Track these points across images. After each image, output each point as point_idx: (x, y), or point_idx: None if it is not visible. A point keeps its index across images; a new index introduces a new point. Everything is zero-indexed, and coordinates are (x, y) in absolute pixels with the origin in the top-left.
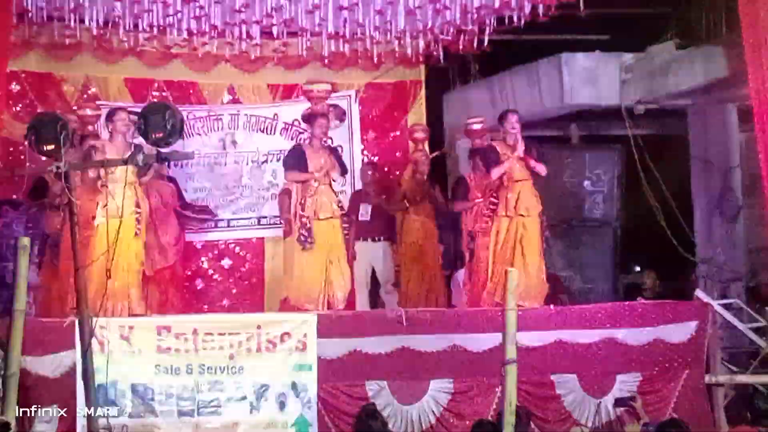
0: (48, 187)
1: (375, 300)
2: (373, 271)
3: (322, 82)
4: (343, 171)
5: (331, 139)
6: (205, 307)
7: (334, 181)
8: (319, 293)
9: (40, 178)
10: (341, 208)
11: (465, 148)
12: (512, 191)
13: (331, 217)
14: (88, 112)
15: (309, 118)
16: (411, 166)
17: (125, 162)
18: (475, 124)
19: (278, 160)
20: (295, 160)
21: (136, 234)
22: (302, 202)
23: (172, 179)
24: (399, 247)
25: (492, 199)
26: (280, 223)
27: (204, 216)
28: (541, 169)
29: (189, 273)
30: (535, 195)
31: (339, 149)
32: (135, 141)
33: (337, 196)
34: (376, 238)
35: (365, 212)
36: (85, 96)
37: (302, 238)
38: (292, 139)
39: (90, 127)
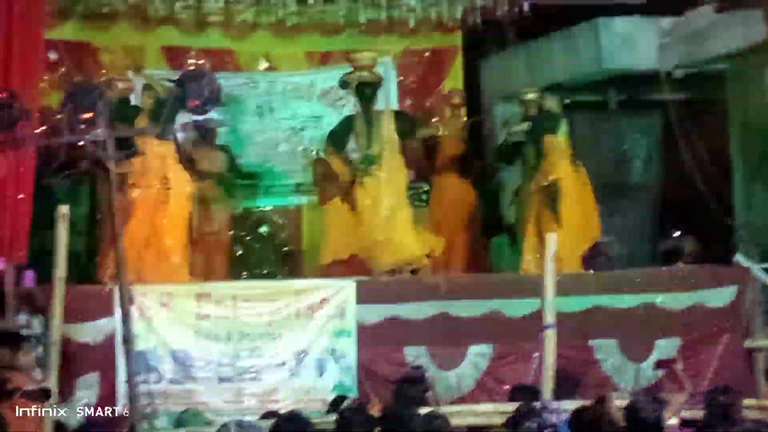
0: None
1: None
2: None
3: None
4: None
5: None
6: (244, 274)
7: None
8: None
9: (80, 146)
10: None
11: (501, 113)
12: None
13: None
14: (120, 84)
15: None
16: (448, 133)
17: (163, 131)
18: (530, 94)
19: (315, 127)
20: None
21: (172, 203)
22: None
23: (224, 147)
24: (436, 213)
25: None
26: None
27: (252, 182)
28: None
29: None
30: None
31: None
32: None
33: None
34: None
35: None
36: (122, 64)
37: None
38: (329, 105)
39: (123, 97)
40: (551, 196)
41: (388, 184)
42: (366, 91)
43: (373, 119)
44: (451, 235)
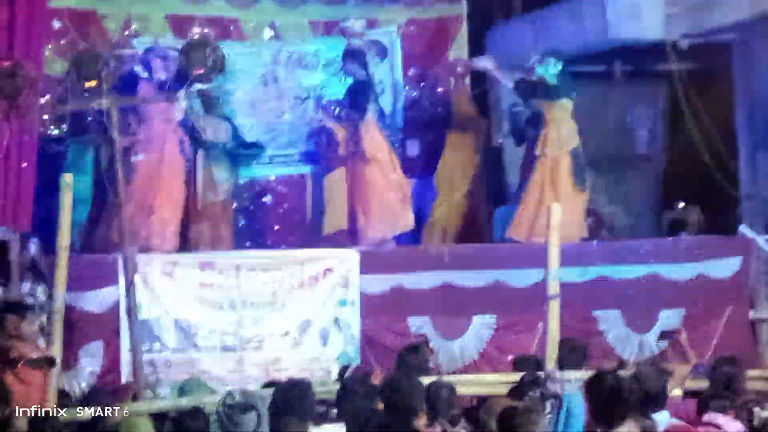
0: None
1: (418, 237)
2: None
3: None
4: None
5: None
6: (248, 243)
7: None
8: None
9: (84, 114)
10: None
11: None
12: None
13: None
14: (124, 52)
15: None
16: (453, 103)
17: (166, 99)
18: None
19: (319, 97)
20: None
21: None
22: None
23: (227, 117)
24: (439, 182)
25: None
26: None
27: (256, 152)
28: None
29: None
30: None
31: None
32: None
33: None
34: (424, 175)
35: (413, 148)
36: (126, 33)
37: None
38: (333, 75)
39: (125, 67)
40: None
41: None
42: (354, 58)
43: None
44: (456, 204)
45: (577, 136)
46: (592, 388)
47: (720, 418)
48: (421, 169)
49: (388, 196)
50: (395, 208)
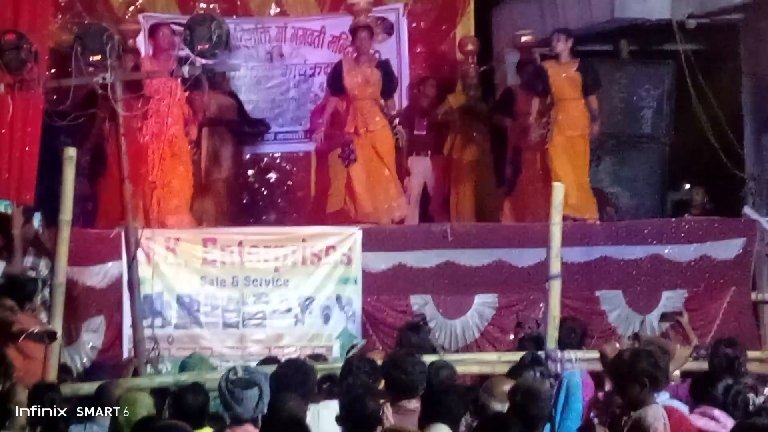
0: (97, 98)
1: (425, 215)
2: (425, 187)
3: None
4: (389, 91)
5: (378, 52)
6: (251, 220)
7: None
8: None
9: (90, 88)
10: (390, 121)
11: (513, 62)
12: (562, 110)
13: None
14: (129, 26)
15: (352, 31)
16: (460, 81)
17: (171, 74)
18: (524, 36)
19: (325, 73)
20: (331, 78)
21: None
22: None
23: (232, 93)
24: (450, 163)
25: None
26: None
27: (261, 129)
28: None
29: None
30: (585, 114)
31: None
32: (182, 53)
33: (382, 110)
34: (431, 153)
35: (421, 126)
36: (132, 8)
37: (344, 154)
38: (339, 52)
39: (131, 41)
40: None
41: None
42: (360, 34)
43: (363, 65)
44: (466, 186)
45: None
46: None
47: (715, 411)
48: (429, 148)
49: (384, 183)
50: (390, 195)
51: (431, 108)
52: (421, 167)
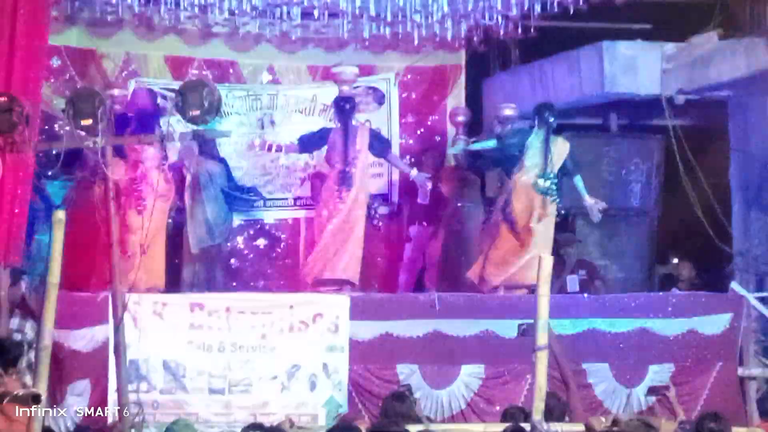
0: (85, 162)
1: (422, 283)
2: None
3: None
4: (379, 151)
5: (369, 121)
6: (234, 284)
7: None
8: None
9: (78, 152)
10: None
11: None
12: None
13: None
14: (116, 92)
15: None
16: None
17: (162, 139)
18: (506, 110)
19: None
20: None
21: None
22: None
23: (222, 160)
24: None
25: None
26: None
27: (251, 197)
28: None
29: None
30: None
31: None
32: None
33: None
34: (432, 222)
35: (424, 195)
36: (125, 73)
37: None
38: (330, 120)
39: (118, 107)
40: None
41: (354, 201)
42: (344, 105)
43: (350, 135)
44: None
45: None
46: None
47: None
48: (430, 217)
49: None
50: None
51: (432, 178)
52: (422, 236)
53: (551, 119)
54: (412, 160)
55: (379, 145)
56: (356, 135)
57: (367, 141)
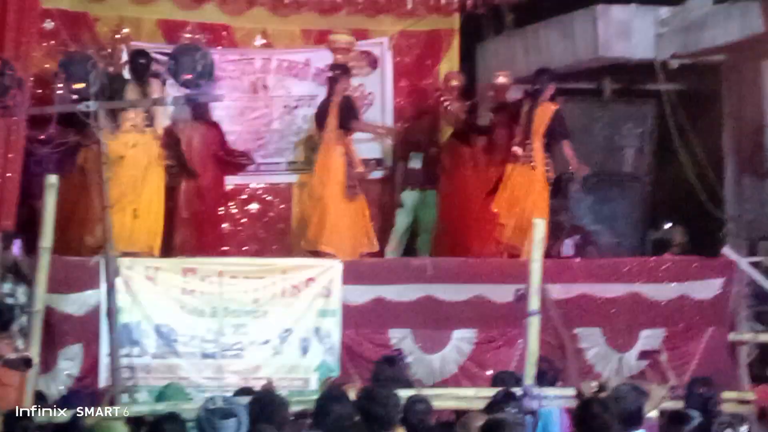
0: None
1: (412, 250)
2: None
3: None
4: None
5: (362, 86)
6: (227, 248)
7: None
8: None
9: (71, 116)
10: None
11: None
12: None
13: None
14: (115, 56)
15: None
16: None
17: (154, 103)
18: (500, 78)
19: (309, 106)
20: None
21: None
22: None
23: (215, 124)
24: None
25: None
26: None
27: (244, 161)
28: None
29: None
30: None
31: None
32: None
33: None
34: (426, 187)
35: (417, 160)
36: (117, 36)
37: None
38: (323, 85)
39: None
40: None
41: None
42: (336, 73)
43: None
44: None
45: None
46: (579, 415)
47: None
48: (422, 181)
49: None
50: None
51: (427, 141)
52: (415, 200)
53: (538, 86)
54: (407, 125)
55: (343, 116)
56: (328, 108)
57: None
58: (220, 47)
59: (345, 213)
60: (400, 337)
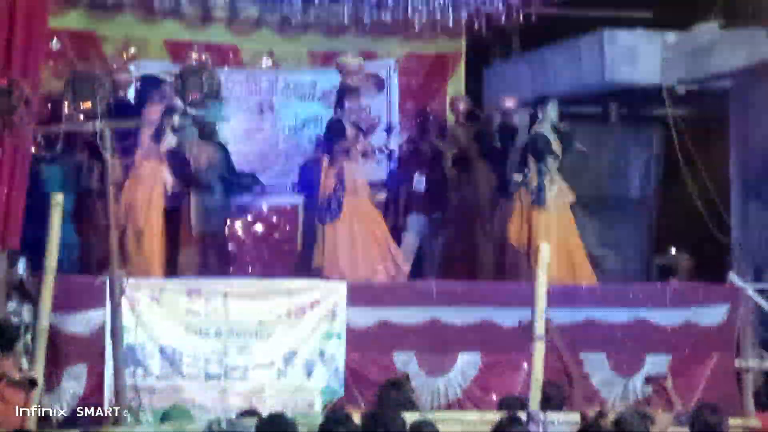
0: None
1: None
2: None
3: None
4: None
5: (369, 107)
6: (232, 269)
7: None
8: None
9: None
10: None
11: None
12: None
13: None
14: (122, 76)
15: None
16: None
17: (162, 123)
18: (507, 102)
19: (315, 127)
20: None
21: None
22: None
23: (221, 144)
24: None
25: None
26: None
27: (250, 182)
28: None
29: None
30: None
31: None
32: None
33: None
34: (431, 213)
35: (420, 182)
36: (125, 57)
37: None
38: (329, 106)
39: (122, 92)
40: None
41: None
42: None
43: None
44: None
45: None
46: None
47: None
48: (428, 205)
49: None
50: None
51: (431, 163)
52: (418, 225)
53: (540, 115)
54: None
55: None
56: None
57: None
58: (226, 68)
59: (346, 235)
60: (404, 360)
